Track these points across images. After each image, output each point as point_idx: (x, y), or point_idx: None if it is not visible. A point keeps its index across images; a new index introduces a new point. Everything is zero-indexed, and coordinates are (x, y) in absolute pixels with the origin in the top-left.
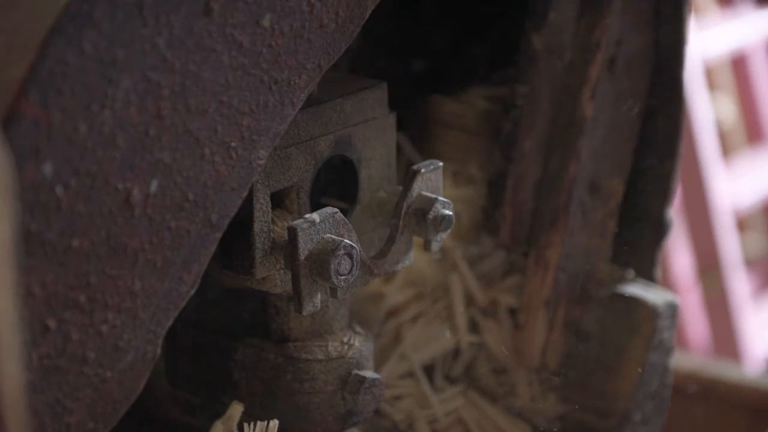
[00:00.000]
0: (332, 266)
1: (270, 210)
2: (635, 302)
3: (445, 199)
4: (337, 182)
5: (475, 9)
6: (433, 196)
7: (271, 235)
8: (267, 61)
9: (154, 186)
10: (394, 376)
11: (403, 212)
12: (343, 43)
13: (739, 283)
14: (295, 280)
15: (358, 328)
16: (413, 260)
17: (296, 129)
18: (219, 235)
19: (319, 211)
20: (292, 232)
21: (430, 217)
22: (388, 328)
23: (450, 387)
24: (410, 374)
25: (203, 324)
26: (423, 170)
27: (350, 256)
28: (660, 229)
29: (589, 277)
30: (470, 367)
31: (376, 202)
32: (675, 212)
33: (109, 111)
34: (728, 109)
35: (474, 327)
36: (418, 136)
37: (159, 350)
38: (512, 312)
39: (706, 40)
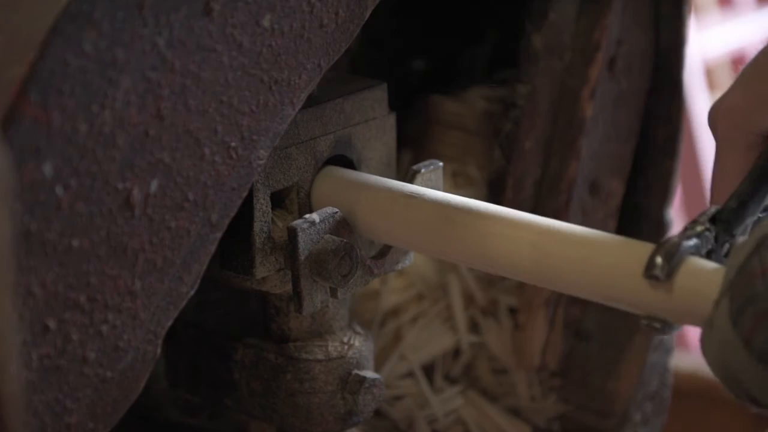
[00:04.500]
0: (332, 266)
1: (270, 210)
2: None
3: None
4: None
5: (475, 9)
6: None
7: (271, 235)
8: (267, 61)
9: (154, 186)
10: (394, 376)
11: None
12: (343, 43)
13: None
14: (295, 280)
15: (358, 328)
16: (413, 260)
17: (296, 129)
18: (219, 235)
19: (319, 211)
20: (292, 232)
21: None
22: (387, 328)
23: (450, 387)
24: (410, 374)
25: (203, 324)
26: (423, 170)
27: (350, 256)
28: (660, 229)
29: None
30: (470, 367)
31: None
32: (675, 212)
33: (109, 111)
34: None
35: (474, 327)
36: (418, 136)
37: (159, 350)
38: (512, 312)
39: (706, 40)
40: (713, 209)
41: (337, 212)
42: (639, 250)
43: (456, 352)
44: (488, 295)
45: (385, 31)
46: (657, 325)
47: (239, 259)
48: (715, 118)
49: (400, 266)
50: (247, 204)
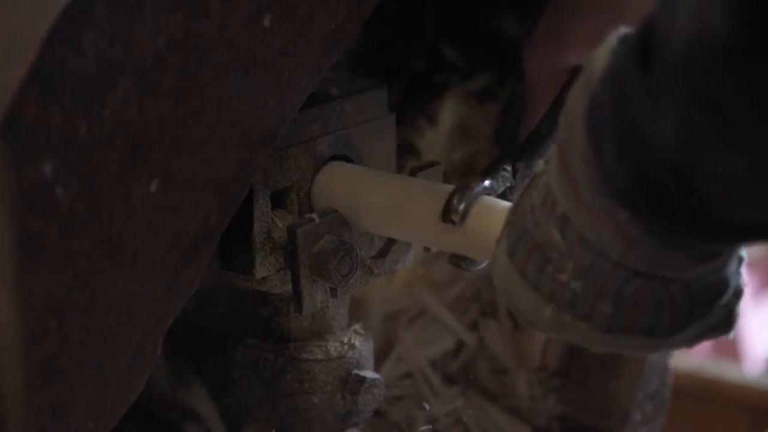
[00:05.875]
0: (332, 266)
1: (270, 210)
2: None
3: None
4: None
5: (475, 9)
6: None
7: (271, 235)
8: (267, 61)
9: (154, 186)
10: (394, 376)
11: None
12: (343, 43)
13: None
14: (295, 280)
15: (358, 328)
16: (413, 260)
17: (296, 129)
18: (219, 235)
19: (319, 211)
20: (292, 232)
21: None
22: (388, 328)
23: (450, 387)
24: (410, 374)
25: (203, 324)
26: (422, 170)
27: (350, 256)
28: None
29: None
30: (470, 366)
31: None
32: None
33: (109, 111)
34: None
35: (474, 327)
36: (417, 136)
37: (159, 350)
38: (512, 312)
39: None
40: (514, 147)
41: (337, 212)
42: (444, 195)
43: (456, 352)
44: (488, 295)
45: (386, 31)
46: (462, 262)
47: (239, 259)
48: (524, 59)
49: (400, 266)
50: (247, 204)
